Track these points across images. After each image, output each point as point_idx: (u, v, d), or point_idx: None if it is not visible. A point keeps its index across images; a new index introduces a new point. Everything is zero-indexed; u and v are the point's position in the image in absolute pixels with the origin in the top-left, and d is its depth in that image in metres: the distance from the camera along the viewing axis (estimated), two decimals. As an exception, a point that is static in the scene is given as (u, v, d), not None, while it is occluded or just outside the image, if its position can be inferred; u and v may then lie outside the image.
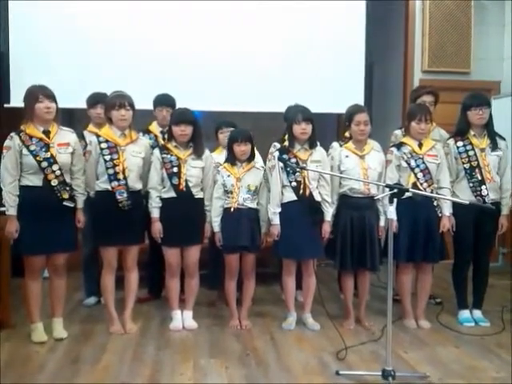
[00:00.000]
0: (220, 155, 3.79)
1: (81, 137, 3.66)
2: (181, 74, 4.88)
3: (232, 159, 3.47)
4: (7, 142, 3.12)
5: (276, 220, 3.43)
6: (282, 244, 3.43)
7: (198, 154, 3.45)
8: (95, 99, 3.91)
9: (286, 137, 3.54)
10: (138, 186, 3.40)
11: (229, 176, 3.44)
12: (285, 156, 3.44)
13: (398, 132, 4.04)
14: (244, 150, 3.43)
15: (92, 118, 3.94)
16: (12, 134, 3.13)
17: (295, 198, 3.42)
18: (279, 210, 3.43)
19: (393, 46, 5.90)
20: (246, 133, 3.48)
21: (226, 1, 4.96)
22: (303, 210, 3.40)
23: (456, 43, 5.44)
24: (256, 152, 3.60)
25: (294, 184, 3.42)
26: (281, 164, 3.42)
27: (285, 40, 5.05)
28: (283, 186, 3.45)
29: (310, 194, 3.42)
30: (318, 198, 3.45)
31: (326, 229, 3.45)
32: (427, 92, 3.98)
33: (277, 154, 3.49)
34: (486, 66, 5.53)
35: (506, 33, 5.58)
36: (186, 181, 3.39)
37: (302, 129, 3.40)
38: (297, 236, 3.39)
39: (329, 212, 3.47)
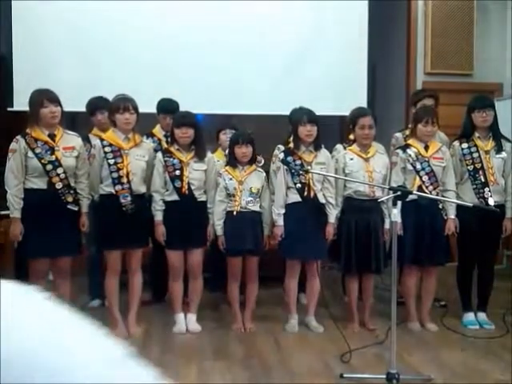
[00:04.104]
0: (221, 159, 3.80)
1: (86, 140, 3.66)
2: (183, 76, 4.88)
3: (233, 162, 3.47)
4: (13, 145, 3.13)
5: (280, 221, 3.43)
6: (285, 245, 3.43)
7: (200, 156, 3.45)
8: (92, 107, 3.90)
9: (291, 139, 3.54)
10: (142, 189, 3.40)
11: (231, 179, 3.44)
12: (289, 158, 3.44)
13: (399, 135, 4.04)
14: (245, 152, 3.43)
15: (95, 124, 3.95)
16: (18, 136, 3.14)
17: (299, 199, 3.42)
18: (283, 211, 3.44)
19: (395, 48, 5.90)
20: (247, 135, 3.49)
21: (228, 4, 4.96)
22: (307, 211, 3.41)
23: (458, 45, 5.43)
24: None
25: (298, 186, 3.43)
26: (285, 166, 3.43)
27: (287, 42, 5.05)
28: (288, 188, 3.45)
29: (315, 195, 3.42)
30: (322, 199, 3.45)
31: (330, 231, 3.45)
32: (428, 95, 3.97)
33: (281, 155, 3.50)
34: (488, 68, 5.52)
35: (509, 34, 5.58)
36: (189, 184, 3.40)
37: (308, 131, 3.40)
38: (300, 237, 3.39)
39: (332, 214, 3.47)
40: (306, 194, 3.41)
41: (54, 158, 3.13)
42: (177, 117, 3.53)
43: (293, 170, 3.41)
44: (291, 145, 3.52)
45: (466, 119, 3.66)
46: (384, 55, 5.88)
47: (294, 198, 3.43)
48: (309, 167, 3.38)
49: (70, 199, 3.19)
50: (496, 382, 2.80)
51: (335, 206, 3.49)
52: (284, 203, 3.44)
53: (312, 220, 3.41)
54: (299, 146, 3.46)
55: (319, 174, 3.38)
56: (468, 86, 5.29)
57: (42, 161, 3.11)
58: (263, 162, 3.80)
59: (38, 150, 3.11)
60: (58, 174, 3.14)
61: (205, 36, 4.96)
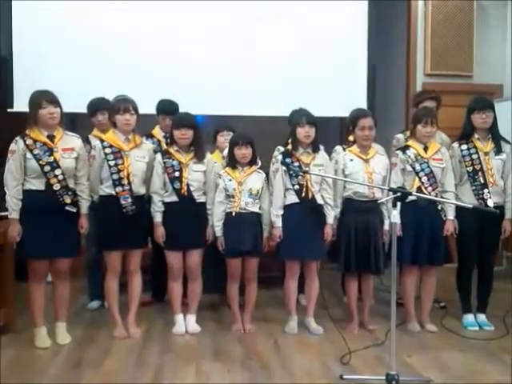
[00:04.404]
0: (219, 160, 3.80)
1: (86, 141, 3.67)
2: (183, 78, 4.88)
3: (233, 163, 3.48)
4: (12, 146, 3.13)
5: (278, 223, 3.43)
6: (284, 246, 3.43)
7: (200, 157, 3.46)
8: (93, 107, 3.92)
9: (290, 140, 3.54)
10: (142, 190, 3.40)
11: (230, 180, 3.45)
12: (288, 159, 3.45)
13: (400, 136, 4.04)
14: (245, 153, 3.44)
15: (95, 125, 3.96)
16: (17, 138, 3.14)
17: (297, 200, 3.43)
18: (281, 212, 3.44)
19: (395, 49, 5.90)
20: (246, 136, 3.49)
21: (227, 5, 4.97)
22: (305, 212, 3.41)
23: (458, 46, 5.44)
24: None
25: (296, 187, 3.43)
26: (284, 167, 3.43)
27: (286, 44, 5.05)
28: (286, 189, 3.46)
29: (313, 196, 3.43)
30: (320, 201, 3.46)
31: (328, 232, 3.46)
32: (430, 98, 3.97)
33: (280, 157, 3.50)
34: (488, 70, 5.52)
35: (509, 36, 5.58)
36: (188, 185, 3.40)
37: (306, 132, 3.41)
38: (299, 237, 3.39)
39: (331, 215, 3.47)
40: (303, 195, 3.42)
41: (52, 159, 3.12)
42: (176, 118, 3.54)
43: (291, 172, 3.42)
44: (289, 146, 3.52)
45: (465, 120, 3.66)
46: (384, 56, 5.87)
47: (293, 199, 3.44)
48: (307, 169, 3.38)
49: (68, 201, 3.17)
50: (496, 383, 2.79)
51: (333, 207, 3.49)
52: (282, 205, 3.45)
53: (310, 221, 3.42)
54: (297, 147, 3.47)
55: (319, 175, 3.39)
56: (468, 87, 5.30)
57: (40, 162, 3.10)
58: (260, 163, 3.79)
59: (36, 151, 3.10)
60: (55, 176, 3.13)
61: (204, 37, 4.96)
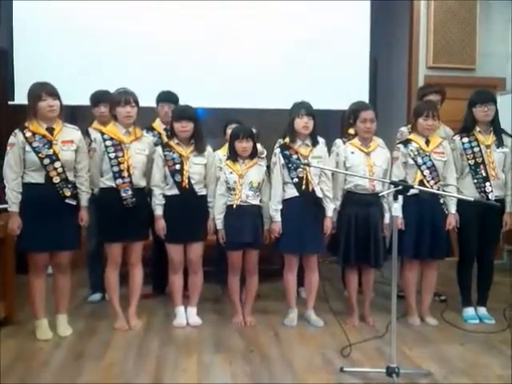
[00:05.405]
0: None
1: (86, 134, 3.67)
2: (185, 71, 4.88)
3: (234, 156, 3.47)
4: (11, 139, 3.12)
5: (277, 217, 3.43)
6: (283, 239, 3.43)
7: (200, 150, 3.45)
8: (97, 98, 3.92)
9: (288, 134, 3.53)
10: (142, 183, 3.40)
11: (231, 173, 3.44)
12: (286, 152, 3.44)
13: (404, 129, 4.03)
14: (245, 146, 3.43)
15: (96, 116, 3.95)
16: (16, 130, 3.13)
17: (297, 194, 3.42)
18: (280, 207, 3.43)
19: (397, 42, 5.87)
20: (247, 129, 3.48)
21: (230, 2, 4.94)
22: (305, 205, 3.40)
23: (461, 39, 5.42)
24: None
25: (295, 180, 3.42)
26: (282, 161, 3.43)
27: (289, 36, 5.05)
28: (285, 183, 3.45)
29: (312, 189, 3.42)
30: (319, 193, 3.45)
31: (328, 224, 3.45)
32: (435, 91, 3.96)
33: (278, 150, 3.49)
34: (491, 63, 5.50)
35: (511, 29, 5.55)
36: (189, 178, 3.40)
37: (305, 122, 3.40)
38: (298, 231, 3.39)
39: (330, 208, 3.47)
40: (303, 188, 3.41)
41: (51, 151, 3.11)
42: (176, 110, 3.53)
43: (290, 165, 3.40)
44: (287, 139, 3.50)
45: (466, 113, 3.65)
46: (386, 49, 5.86)
47: (292, 193, 3.43)
48: (306, 161, 3.37)
49: (67, 193, 3.17)
50: (496, 376, 2.80)
51: (332, 199, 3.49)
52: (281, 199, 3.44)
53: (310, 214, 3.41)
54: (295, 139, 3.45)
55: (321, 168, 3.38)
56: (470, 80, 5.28)
57: (40, 155, 3.09)
58: (266, 153, 3.79)
59: (35, 144, 3.09)
60: (55, 168, 3.12)
61: (207, 31, 4.95)
